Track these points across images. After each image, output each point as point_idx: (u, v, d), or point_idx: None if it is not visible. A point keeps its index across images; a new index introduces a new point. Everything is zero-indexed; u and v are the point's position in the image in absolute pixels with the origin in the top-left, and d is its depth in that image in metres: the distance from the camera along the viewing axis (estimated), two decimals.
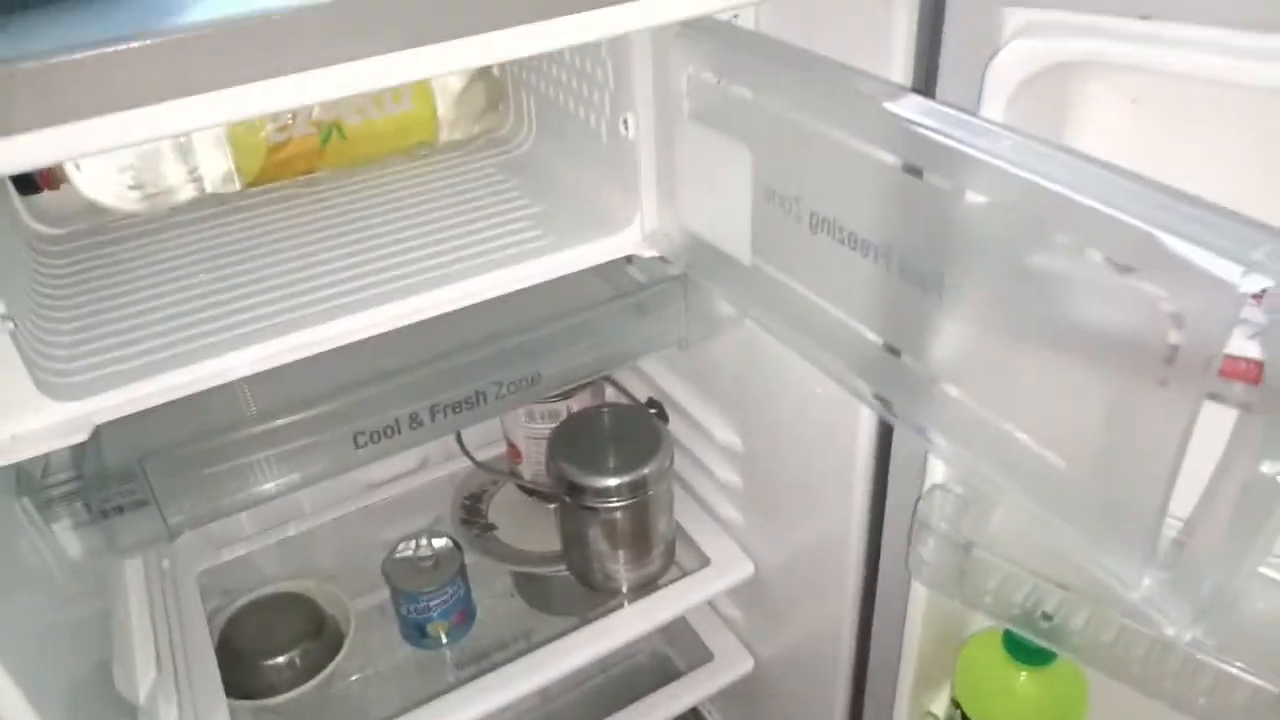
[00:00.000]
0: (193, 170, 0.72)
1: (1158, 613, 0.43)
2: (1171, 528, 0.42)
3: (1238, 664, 0.49)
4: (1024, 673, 0.63)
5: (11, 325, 0.51)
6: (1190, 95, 0.44)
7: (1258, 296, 0.35)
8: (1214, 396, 0.41)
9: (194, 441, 0.58)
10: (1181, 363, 0.38)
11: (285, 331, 0.59)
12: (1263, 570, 0.49)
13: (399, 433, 0.64)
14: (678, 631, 1.06)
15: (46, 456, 0.57)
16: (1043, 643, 0.56)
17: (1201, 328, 0.36)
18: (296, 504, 1.01)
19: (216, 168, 0.72)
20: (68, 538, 0.57)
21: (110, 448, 0.59)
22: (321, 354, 0.61)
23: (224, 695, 0.79)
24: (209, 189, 0.73)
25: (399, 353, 0.64)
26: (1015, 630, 0.58)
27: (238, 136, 0.72)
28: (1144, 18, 0.41)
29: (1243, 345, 0.42)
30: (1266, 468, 0.37)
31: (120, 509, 0.56)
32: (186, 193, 0.73)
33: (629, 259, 0.74)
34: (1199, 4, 0.40)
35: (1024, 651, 0.62)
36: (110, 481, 0.56)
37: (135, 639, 0.70)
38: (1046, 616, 0.55)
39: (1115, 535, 0.43)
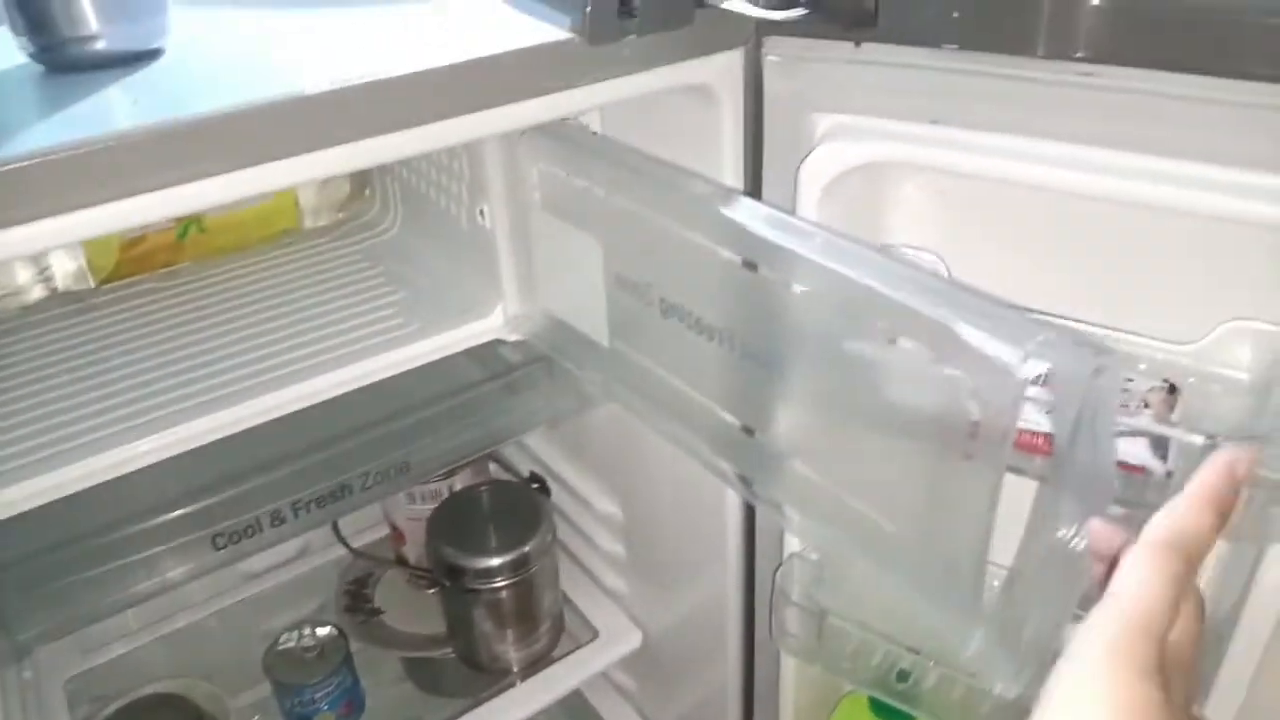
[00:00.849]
0: (43, 270, 0.70)
1: (988, 668, 0.46)
2: (997, 577, 0.45)
3: None
4: None
5: None
6: (985, 191, 0.48)
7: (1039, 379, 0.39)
8: (1016, 470, 0.44)
9: (41, 553, 0.56)
10: (983, 437, 0.41)
11: (144, 434, 0.58)
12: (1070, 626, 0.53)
13: (260, 531, 0.63)
14: (574, 705, 1.05)
15: None
16: (899, 705, 0.58)
17: (994, 404, 0.40)
18: (170, 599, 0.97)
19: (66, 266, 0.71)
20: None
21: None
22: (186, 463, 0.60)
23: None
24: (60, 287, 0.72)
25: (261, 446, 0.63)
26: (873, 694, 0.61)
27: None
28: (933, 123, 0.45)
29: (1040, 420, 0.46)
30: (1061, 534, 0.41)
31: None
32: (37, 292, 0.71)
33: (496, 341, 0.75)
34: (980, 112, 0.44)
35: (890, 714, 0.64)
36: None
37: None
38: (903, 676, 0.58)
39: (945, 595, 0.46)
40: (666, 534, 0.81)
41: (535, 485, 0.93)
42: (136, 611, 0.97)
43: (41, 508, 0.57)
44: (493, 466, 0.99)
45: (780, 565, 0.62)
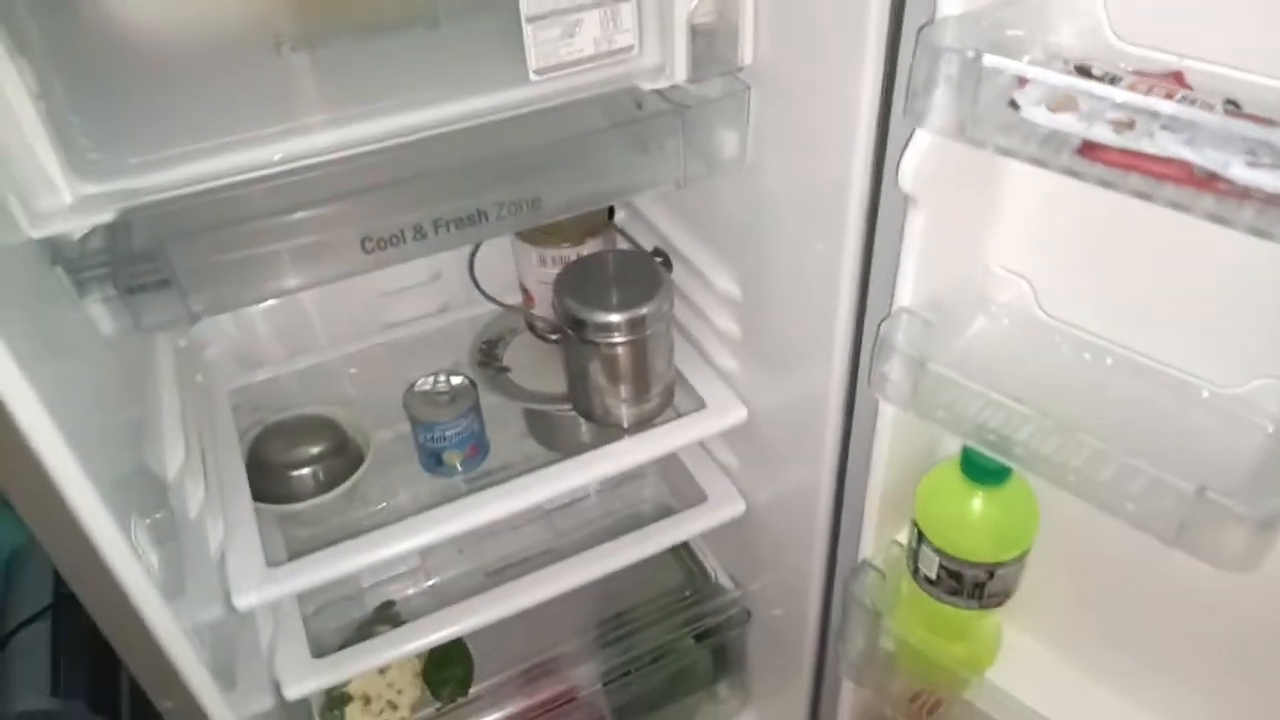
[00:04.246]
0: None
1: None
2: None
3: (1164, 472, 0.52)
4: (979, 494, 0.67)
5: (44, 104, 0.56)
6: None
7: None
8: (1143, 196, 0.43)
9: (209, 229, 0.63)
10: None
11: (312, 132, 0.64)
12: None
13: (404, 241, 0.68)
14: (678, 482, 1.11)
15: (83, 241, 0.63)
16: (990, 454, 0.60)
17: None
18: (325, 336, 1.07)
19: None
20: (98, 313, 0.63)
21: (139, 236, 0.64)
22: (340, 170, 0.65)
23: (249, 492, 0.87)
24: None
25: (406, 166, 0.68)
26: (967, 442, 0.62)
27: None
28: None
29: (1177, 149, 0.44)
30: None
31: (144, 287, 0.62)
32: None
33: (638, 104, 0.76)
34: None
35: (979, 472, 0.66)
36: (135, 260, 0.61)
37: (165, 423, 0.77)
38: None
39: None
40: (782, 315, 0.82)
41: (659, 259, 0.95)
42: (291, 343, 1.07)
43: (214, 197, 0.64)
44: (621, 242, 1.02)
45: (886, 317, 0.63)
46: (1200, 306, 0.58)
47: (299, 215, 0.64)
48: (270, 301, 1.02)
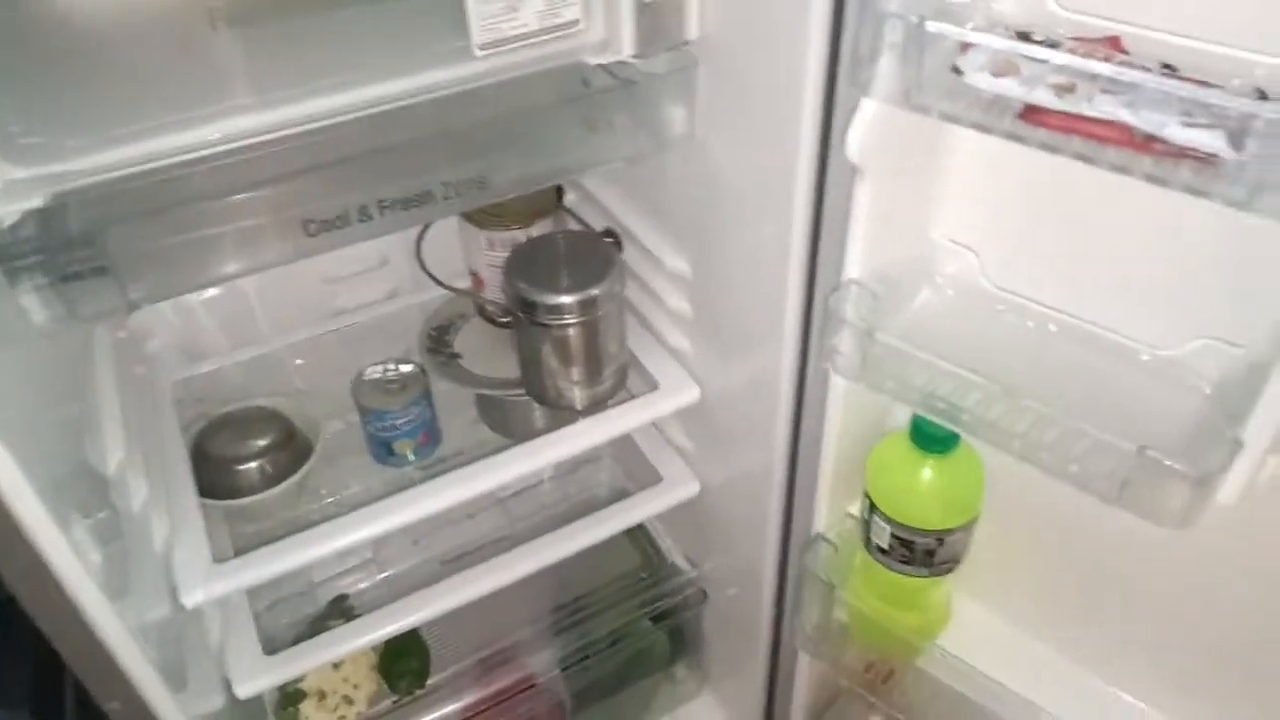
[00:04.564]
0: None
1: None
2: None
3: (1106, 433, 0.54)
4: (928, 463, 0.68)
5: None
6: None
7: None
8: (1085, 158, 0.44)
9: (151, 212, 0.61)
10: None
11: (252, 111, 0.62)
12: None
13: (349, 224, 0.67)
14: (633, 464, 1.11)
15: (13, 229, 0.61)
16: (939, 421, 0.61)
17: None
18: (270, 325, 1.05)
19: None
20: (31, 303, 0.60)
21: (74, 222, 0.62)
22: (280, 151, 0.64)
23: (195, 487, 0.85)
24: None
25: (351, 144, 0.67)
26: (916, 411, 0.63)
27: None
28: None
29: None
30: None
31: (79, 275, 0.60)
32: None
33: (585, 82, 0.76)
34: None
35: (928, 442, 0.67)
36: (70, 247, 0.59)
37: (105, 418, 0.75)
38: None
39: None
40: (733, 292, 0.83)
41: (609, 239, 0.95)
42: (236, 334, 1.04)
43: (152, 180, 0.62)
44: (570, 223, 1.01)
45: (835, 289, 0.63)
46: (1139, 272, 0.59)
47: (240, 197, 0.62)
48: (213, 291, 0.99)
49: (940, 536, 0.70)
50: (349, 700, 1.04)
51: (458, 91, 0.68)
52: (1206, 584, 0.64)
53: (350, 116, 0.66)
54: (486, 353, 1.03)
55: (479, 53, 0.67)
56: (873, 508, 0.72)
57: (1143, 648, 0.72)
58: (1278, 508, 0.55)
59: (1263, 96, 0.42)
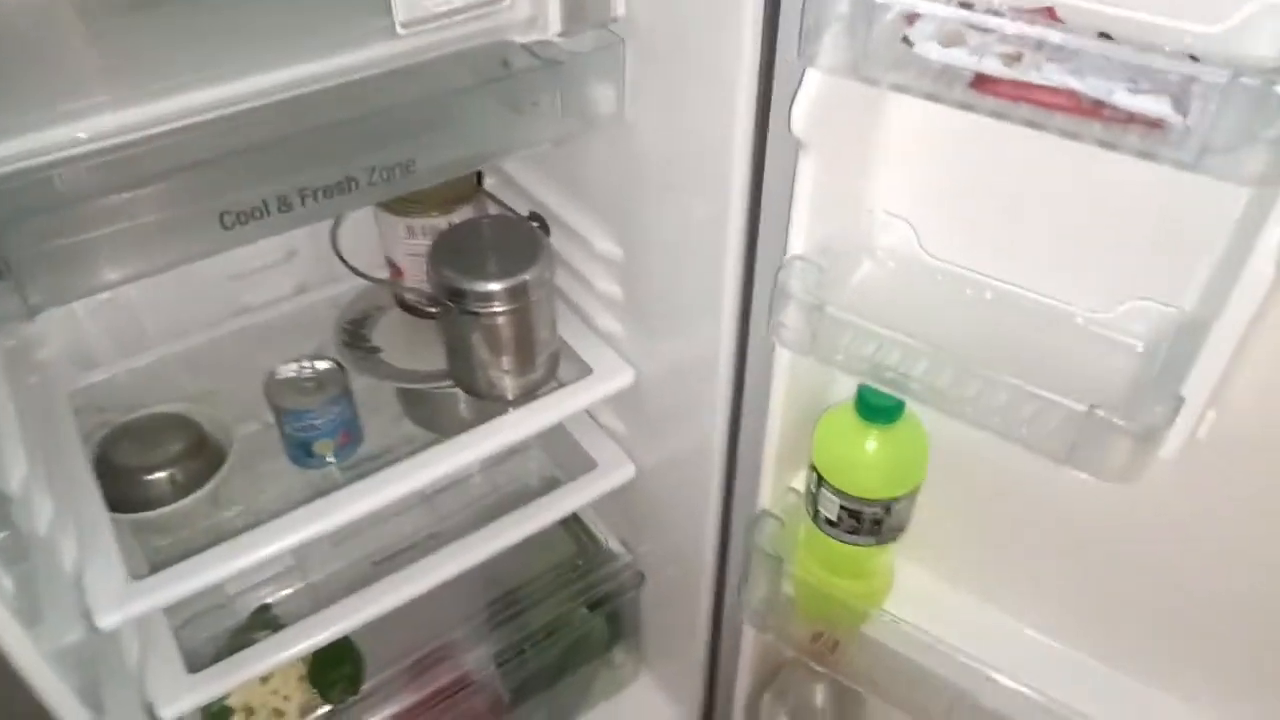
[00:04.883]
0: None
1: None
2: None
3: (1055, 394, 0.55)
4: (873, 434, 0.69)
5: None
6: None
7: None
8: (1035, 125, 0.45)
9: (51, 209, 0.56)
10: None
11: (160, 97, 0.58)
12: None
13: (268, 214, 0.63)
14: (563, 453, 1.10)
15: None
16: (889, 391, 0.61)
17: None
18: (174, 325, 0.99)
19: None
20: None
21: None
22: (195, 139, 0.60)
23: (102, 501, 0.79)
24: None
25: (266, 129, 0.63)
26: (865, 382, 0.63)
27: None
28: None
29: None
30: None
31: None
32: None
33: (505, 62, 0.73)
34: None
35: (873, 412, 0.68)
36: None
37: (1, 429, 0.69)
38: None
39: None
40: (664, 274, 0.82)
41: (535, 223, 0.93)
42: (137, 337, 0.98)
43: (51, 174, 0.57)
44: (492, 208, 0.98)
45: (781, 267, 0.63)
46: (1069, 238, 0.61)
47: (150, 189, 0.58)
48: (107, 294, 0.93)
49: (888, 505, 0.71)
50: (279, 713, 1.00)
51: (381, 73, 0.65)
52: (1148, 539, 0.66)
53: (269, 100, 0.62)
54: (408, 345, 1.00)
55: (402, 30, 0.64)
56: (820, 481, 0.73)
57: (1086, 604, 0.74)
58: (1214, 461, 0.57)
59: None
